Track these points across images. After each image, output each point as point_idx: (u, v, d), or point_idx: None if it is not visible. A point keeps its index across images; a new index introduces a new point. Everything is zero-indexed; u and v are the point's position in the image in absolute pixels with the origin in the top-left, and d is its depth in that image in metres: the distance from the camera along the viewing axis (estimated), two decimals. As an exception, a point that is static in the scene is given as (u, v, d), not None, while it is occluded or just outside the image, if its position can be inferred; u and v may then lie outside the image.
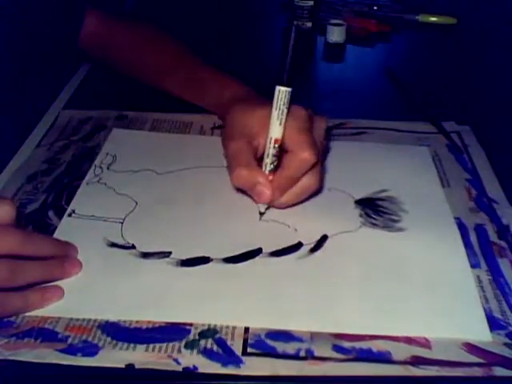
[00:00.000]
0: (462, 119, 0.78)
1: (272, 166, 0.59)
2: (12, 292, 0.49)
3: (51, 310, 0.51)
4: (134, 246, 0.57)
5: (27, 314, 0.50)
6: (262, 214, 0.62)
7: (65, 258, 0.54)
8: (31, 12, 0.76)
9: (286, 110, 0.57)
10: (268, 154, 0.59)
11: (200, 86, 0.76)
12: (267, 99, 0.61)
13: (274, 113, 0.57)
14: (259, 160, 0.60)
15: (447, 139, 0.75)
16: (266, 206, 0.61)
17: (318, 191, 0.62)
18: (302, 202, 0.62)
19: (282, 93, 0.56)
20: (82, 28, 0.82)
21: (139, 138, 0.74)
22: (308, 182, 0.59)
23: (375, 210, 0.62)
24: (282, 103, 0.56)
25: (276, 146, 0.58)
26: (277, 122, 0.57)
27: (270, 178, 0.59)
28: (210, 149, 0.72)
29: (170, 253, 0.57)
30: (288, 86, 0.56)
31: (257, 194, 0.59)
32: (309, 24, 1.08)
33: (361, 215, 0.62)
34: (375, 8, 1.14)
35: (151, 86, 0.82)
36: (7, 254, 0.47)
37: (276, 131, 0.58)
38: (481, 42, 1.05)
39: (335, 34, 1.04)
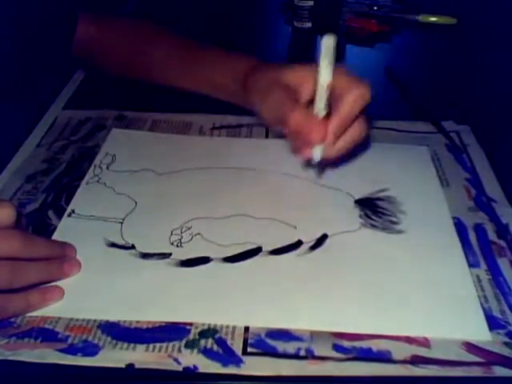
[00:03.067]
0: (461, 119, 0.78)
1: (325, 111, 0.59)
2: (12, 294, 0.49)
3: (51, 310, 0.51)
4: (133, 246, 0.58)
5: (27, 314, 0.51)
6: (316, 167, 0.64)
7: (63, 258, 0.55)
8: (25, 16, 0.74)
9: (333, 58, 0.57)
10: (321, 98, 0.58)
11: (212, 68, 0.75)
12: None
13: (324, 60, 0.57)
14: None
15: (446, 139, 0.75)
16: (319, 154, 0.60)
17: (364, 141, 0.62)
18: (350, 151, 0.62)
19: (328, 40, 0.56)
20: (75, 35, 0.79)
21: (139, 138, 0.74)
22: (358, 127, 0.59)
23: (375, 211, 0.62)
24: (329, 50, 0.56)
25: (328, 90, 0.58)
26: (327, 68, 0.57)
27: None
28: (209, 149, 0.72)
29: (170, 254, 0.57)
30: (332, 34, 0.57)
31: (312, 134, 0.57)
32: (309, 24, 1.08)
33: (360, 216, 0.62)
34: (375, 8, 1.14)
35: (156, 84, 0.80)
36: (8, 256, 0.48)
37: (327, 75, 0.57)
38: (481, 42, 1.05)
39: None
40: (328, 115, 0.59)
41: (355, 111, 0.58)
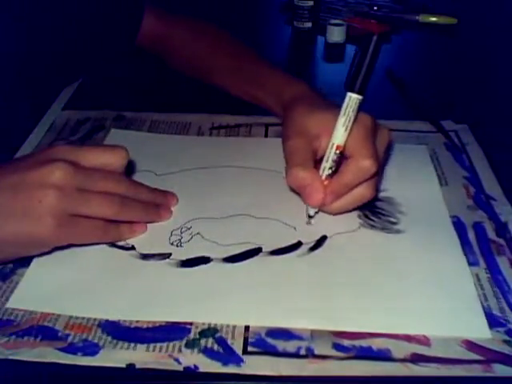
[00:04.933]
0: (459, 118, 0.78)
1: (330, 171, 0.58)
2: (108, 223, 0.56)
3: (51, 307, 0.51)
4: (133, 247, 0.58)
5: (27, 311, 0.51)
6: (310, 217, 0.61)
7: (161, 205, 0.61)
8: (86, 13, 0.80)
9: (353, 118, 0.56)
10: (328, 159, 0.58)
11: (259, 85, 0.77)
12: (328, 100, 0.64)
13: (341, 119, 0.56)
14: (317, 162, 0.60)
15: (445, 138, 0.75)
16: (315, 210, 0.60)
17: (371, 201, 0.61)
18: (351, 210, 0.61)
19: (352, 100, 0.56)
20: (140, 27, 0.86)
21: (138, 139, 0.74)
22: (363, 191, 0.58)
23: (373, 211, 0.62)
24: (350, 110, 0.56)
25: (337, 152, 0.57)
26: (342, 129, 0.56)
27: (325, 182, 0.58)
28: (208, 150, 0.72)
29: (170, 254, 0.57)
30: (360, 94, 0.56)
31: (308, 196, 0.58)
32: (309, 24, 1.08)
33: (359, 216, 0.62)
34: (375, 8, 1.14)
35: (208, 84, 0.84)
36: (118, 193, 0.55)
37: (340, 137, 0.57)
38: (481, 42, 1.05)
39: (335, 34, 1.04)
40: (334, 173, 0.58)
41: (356, 182, 0.57)
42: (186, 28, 0.88)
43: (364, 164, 0.56)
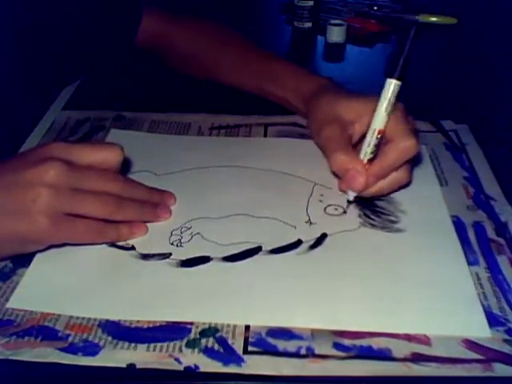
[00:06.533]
0: (459, 118, 0.78)
1: (371, 155, 0.60)
2: (108, 223, 0.56)
3: (52, 307, 0.51)
4: (133, 247, 0.58)
5: (28, 311, 0.51)
6: (350, 202, 0.62)
7: (158, 204, 0.61)
8: (85, 14, 0.79)
9: (393, 103, 0.58)
10: (369, 143, 0.59)
11: (275, 80, 0.77)
12: (348, 89, 0.68)
13: (383, 104, 0.58)
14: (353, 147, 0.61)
15: (445, 138, 0.75)
16: (354, 195, 0.61)
17: (406, 185, 0.63)
18: (388, 194, 0.63)
19: (393, 85, 0.58)
20: (139, 28, 0.85)
21: (138, 139, 0.74)
22: (401, 174, 0.60)
23: (373, 210, 0.62)
24: (392, 95, 0.58)
25: (379, 136, 0.59)
26: (384, 113, 0.58)
27: (367, 167, 0.59)
28: (208, 149, 0.72)
29: (170, 254, 0.57)
30: (399, 80, 0.58)
31: (352, 179, 0.59)
32: (309, 24, 1.08)
33: (359, 216, 0.62)
34: (375, 8, 1.14)
35: (212, 82, 0.84)
36: (113, 193, 0.55)
37: (382, 122, 0.58)
38: (481, 42, 1.05)
39: (335, 34, 1.04)
40: (374, 158, 0.60)
41: (398, 163, 0.59)
42: (187, 26, 0.87)
43: (407, 144, 0.58)
